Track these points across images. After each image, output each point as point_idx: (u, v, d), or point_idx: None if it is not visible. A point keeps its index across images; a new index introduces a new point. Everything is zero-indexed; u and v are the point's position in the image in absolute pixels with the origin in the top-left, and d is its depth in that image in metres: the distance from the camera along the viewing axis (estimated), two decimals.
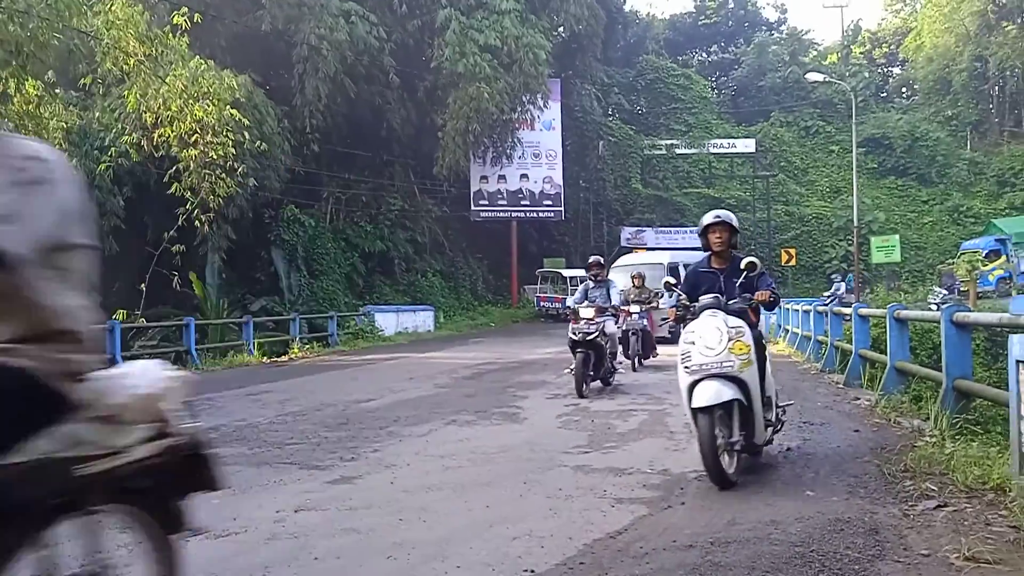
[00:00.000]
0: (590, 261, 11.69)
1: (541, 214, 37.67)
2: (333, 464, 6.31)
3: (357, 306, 26.48)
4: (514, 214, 36.54)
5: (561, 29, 36.32)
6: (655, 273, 16.87)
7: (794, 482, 5.29)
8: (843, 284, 30.98)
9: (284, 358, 18.59)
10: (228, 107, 17.42)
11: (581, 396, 9.85)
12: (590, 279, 11.48)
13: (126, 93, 17.60)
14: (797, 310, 17.11)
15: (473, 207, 36.23)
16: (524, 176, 36.86)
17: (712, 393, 5.12)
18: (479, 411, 9.00)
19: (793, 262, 39.92)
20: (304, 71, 25.52)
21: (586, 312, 10.47)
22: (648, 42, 51.87)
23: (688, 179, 47.38)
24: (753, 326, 5.57)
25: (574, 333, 10.25)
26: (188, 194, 18.13)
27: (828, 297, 25.10)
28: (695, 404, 5.16)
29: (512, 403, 9.81)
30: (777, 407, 5.96)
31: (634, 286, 14.68)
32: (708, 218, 6.09)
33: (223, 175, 18.12)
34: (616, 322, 11.79)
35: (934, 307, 18.23)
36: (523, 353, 17.62)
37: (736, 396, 5.17)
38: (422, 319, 28.02)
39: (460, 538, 4.24)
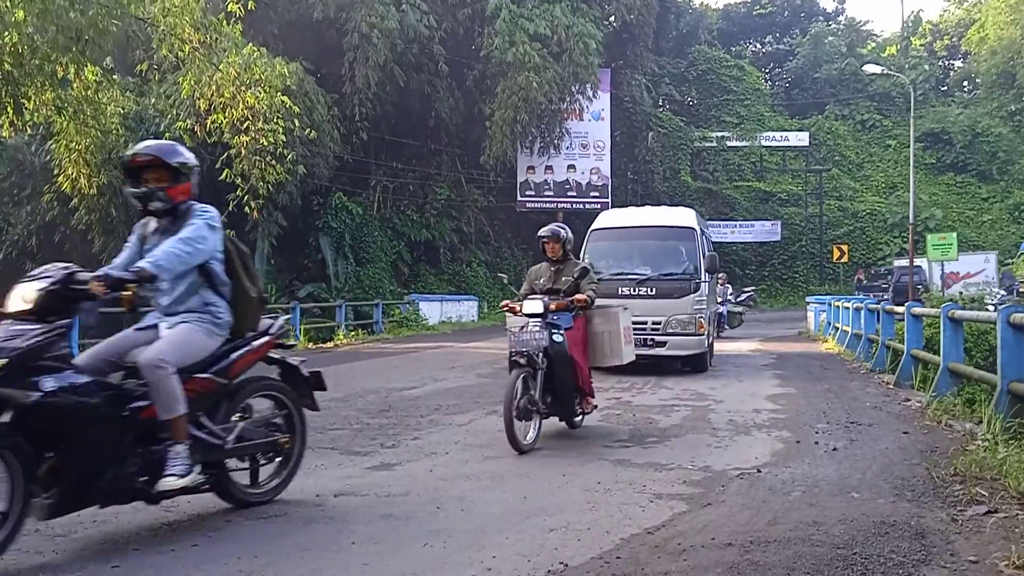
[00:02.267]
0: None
1: (588, 206, 37.35)
2: (374, 450, 6.36)
3: (402, 294, 26.69)
4: (560, 205, 36.39)
5: (612, 18, 36.00)
6: (677, 246, 12.50)
7: (839, 483, 5.17)
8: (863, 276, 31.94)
9: (329, 344, 18.82)
10: (279, 94, 17.60)
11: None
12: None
13: (180, 80, 17.90)
14: (847, 308, 16.75)
15: (519, 197, 36.18)
16: (571, 167, 36.68)
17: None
18: None
19: (845, 259, 39.15)
20: (354, 59, 25.71)
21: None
22: (701, 32, 51.13)
23: (739, 172, 46.70)
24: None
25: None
26: (239, 180, 18.39)
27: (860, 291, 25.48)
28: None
29: None
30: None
31: (548, 260, 7.35)
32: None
33: (273, 162, 18.34)
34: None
35: (991, 308, 17.70)
36: None
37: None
38: (466, 308, 28.14)
39: (496, 528, 4.24)
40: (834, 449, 6.28)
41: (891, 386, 10.26)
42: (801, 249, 43.59)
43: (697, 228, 12.66)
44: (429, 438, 6.91)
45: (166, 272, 3.97)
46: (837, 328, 18.42)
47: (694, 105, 49.66)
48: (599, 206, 37.40)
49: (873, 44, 57.49)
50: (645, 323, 11.41)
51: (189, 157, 4.28)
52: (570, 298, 6.95)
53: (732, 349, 17.12)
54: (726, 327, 21.15)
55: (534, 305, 6.75)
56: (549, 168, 36.10)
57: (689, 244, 12.28)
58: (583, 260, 10.03)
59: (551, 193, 36.51)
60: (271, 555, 3.82)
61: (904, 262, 30.00)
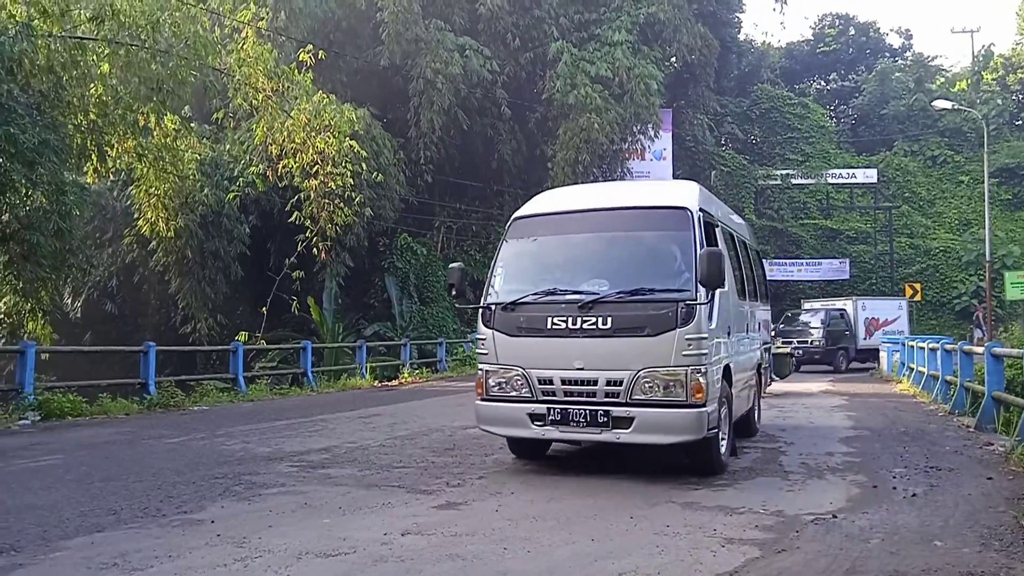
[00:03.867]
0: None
1: None
2: (440, 489, 6.37)
3: (465, 333, 26.82)
4: None
5: (673, 59, 36.07)
6: (657, 244, 7.44)
7: (920, 530, 4.97)
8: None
9: (394, 382, 18.99)
10: (347, 139, 18.12)
11: None
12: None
13: (254, 126, 18.60)
14: (923, 348, 16.20)
15: None
16: None
17: None
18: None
19: (919, 297, 37.97)
20: (419, 104, 26.27)
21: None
22: (763, 71, 50.81)
23: (804, 210, 45.91)
24: None
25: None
26: (308, 222, 18.92)
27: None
28: None
29: None
30: None
31: None
32: None
33: (341, 204, 18.82)
34: None
35: None
36: None
37: None
38: None
39: (564, 570, 4.19)
40: (913, 495, 6.05)
41: (972, 429, 9.86)
42: (871, 287, 42.42)
43: (695, 212, 7.00)
44: (494, 477, 6.89)
45: None
46: (912, 369, 17.82)
47: (757, 143, 49.19)
48: None
49: (942, 79, 56.23)
50: (594, 384, 6.62)
51: None
52: None
53: (801, 389, 16.69)
54: (772, 377, 13.59)
55: None
56: None
57: (681, 240, 6.88)
58: (493, 269, 7.42)
59: None
60: None
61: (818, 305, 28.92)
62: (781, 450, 8.46)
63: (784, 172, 44.98)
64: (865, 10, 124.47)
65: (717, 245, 7.26)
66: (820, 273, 40.78)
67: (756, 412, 9.74)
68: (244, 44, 16.75)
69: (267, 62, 16.86)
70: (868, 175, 44.81)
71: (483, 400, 7.10)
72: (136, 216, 19.28)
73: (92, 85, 14.68)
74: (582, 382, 6.64)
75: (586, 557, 4.42)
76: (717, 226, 7.76)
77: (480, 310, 7.24)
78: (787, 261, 40.67)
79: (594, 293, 6.79)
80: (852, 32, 58.19)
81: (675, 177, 38.03)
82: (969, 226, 43.93)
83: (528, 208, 7.91)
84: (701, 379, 6.42)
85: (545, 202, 8.12)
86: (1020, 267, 37.22)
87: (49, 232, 13.81)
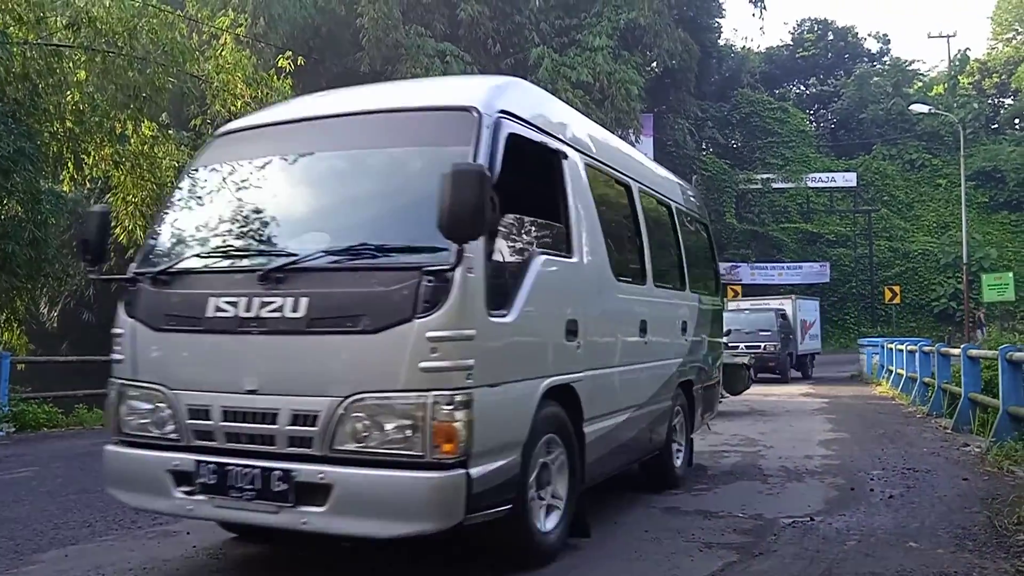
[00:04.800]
0: None
1: None
2: None
3: None
4: None
5: (654, 64, 36.23)
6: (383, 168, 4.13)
7: (896, 531, 5.01)
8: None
9: None
10: None
11: None
12: None
13: None
14: (901, 350, 16.36)
15: None
16: None
17: None
18: None
19: (897, 300, 38.31)
20: None
21: None
22: (743, 75, 51.18)
23: (785, 214, 46.28)
24: None
25: None
26: None
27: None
28: None
29: None
30: None
31: None
32: None
33: None
34: None
35: None
36: None
37: None
38: None
39: None
40: (890, 497, 6.10)
41: (949, 431, 9.96)
42: (851, 291, 42.86)
43: (488, 116, 3.93)
44: None
45: None
46: (891, 371, 17.97)
47: (738, 148, 49.53)
48: None
49: (920, 84, 56.88)
50: (272, 419, 3.63)
51: None
52: None
53: (781, 392, 16.80)
54: (722, 394, 10.07)
55: None
56: None
57: (450, 163, 3.46)
58: (158, 217, 4.74)
59: None
60: None
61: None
62: (761, 454, 8.50)
63: (764, 176, 45.31)
64: (843, 15, 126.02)
65: (561, 186, 4.56)
66: (801, 276, 41.10)
67: (683, 450, 6.88)
68: (222, 51, 16.65)
69: (246, 68, 16.76)
70: (848, 179, 45.26)
71: (115, 443, 4.11)
72: (113, 224, 19.11)
73: (68, 92, 14.52)
74: (254, 416, 3.67)
75: (563, 563, 4.41)
76: (564, 155, 4.67)
77: (119, 285, 4.41)
78: (768, 265, 40.96)
79: (287, 254, 3.82)
80: (831, 37, 58.81)
81: None
82: (947, 229, 44.43)
83: (239, 121, 5.01)
84: (458, 414, 3.43)
85: (270, 112, 5.19)
86: (997, 269, 37.67)
87: (24, 241, 13.64)
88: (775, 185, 45.13)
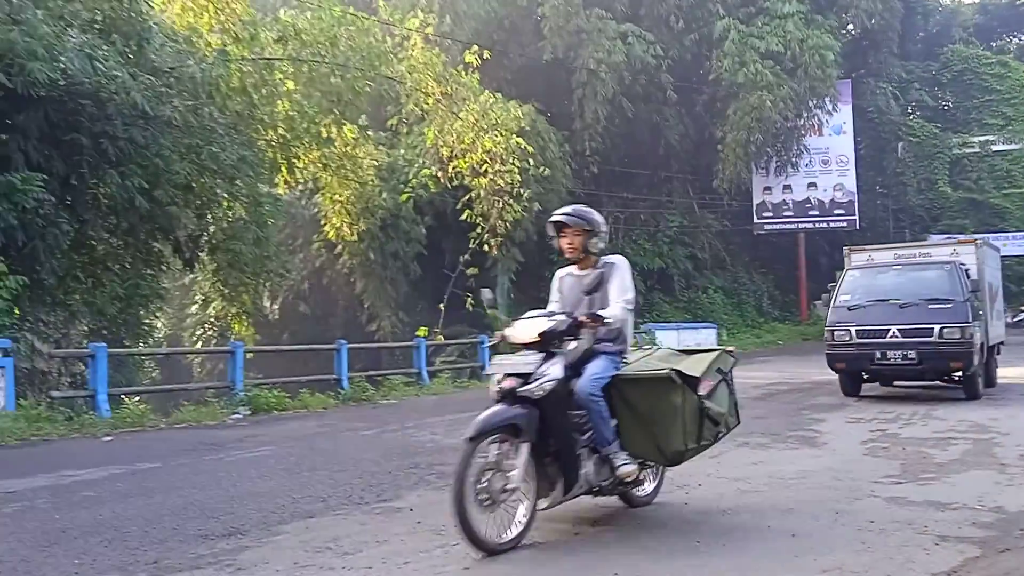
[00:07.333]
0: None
1: (832, 224, 35.23)
2: None
3: (637, 323, 26.60)
4: (801, 225, 34.61)
5: (851, 26, 33.96)
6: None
7: None
8: None
9: None
10: (514, 136, 18.43)
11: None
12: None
13: (425, 130, 19.32)
14: None
15: (756, 220, 34.85)
16: (812, 185, 34.78)
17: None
18: (772, 434, 8.57)
19: None
20: (583, 95, 26.23)
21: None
22: (954, 30, 46.74)
23: (1009, 179, 41.87)
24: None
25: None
26: (479, 220, 19.43)
27: None
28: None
29: (808, 426, 9.24)
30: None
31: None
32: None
33: (510, 201, 19.17)
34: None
35: None
36: (815, 373, 16.52)
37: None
38: (704, 336, 27.39)
39: (764, 567, 4.03)
40: None
41: None
42: None
43: None
44: (678, 470, 6.75)
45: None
46: None
47: (950, 109, 45.37)
48: (844, 224, 35.23)
49: None
50: None
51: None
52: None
53: (1014, 375, 15.25)
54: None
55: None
56: (787, 187, 34.50)
57: None
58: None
59: (791, 213, 34.82)
60: None
61: None
62: (995, 441, 7.77)
63: (983, 138, 41.27)
64: None
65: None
66: None
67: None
68: (413, 51, 17.42)
69: (435, 66, 17.46)
70: None
71: None
72: (323, 223, 20.52)
73: (279, 102, 15.75)
74: None
75: (785, 553, 4.23)
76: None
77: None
78: (989, 235, 37.21)
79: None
80: None
81: (857, 151, 35.76)
82: None
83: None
84: None
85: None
86: None
87: (249, 241, 14.99)
88: (995, 148, 40.99)
